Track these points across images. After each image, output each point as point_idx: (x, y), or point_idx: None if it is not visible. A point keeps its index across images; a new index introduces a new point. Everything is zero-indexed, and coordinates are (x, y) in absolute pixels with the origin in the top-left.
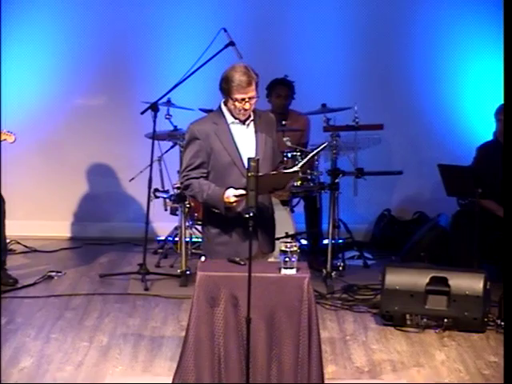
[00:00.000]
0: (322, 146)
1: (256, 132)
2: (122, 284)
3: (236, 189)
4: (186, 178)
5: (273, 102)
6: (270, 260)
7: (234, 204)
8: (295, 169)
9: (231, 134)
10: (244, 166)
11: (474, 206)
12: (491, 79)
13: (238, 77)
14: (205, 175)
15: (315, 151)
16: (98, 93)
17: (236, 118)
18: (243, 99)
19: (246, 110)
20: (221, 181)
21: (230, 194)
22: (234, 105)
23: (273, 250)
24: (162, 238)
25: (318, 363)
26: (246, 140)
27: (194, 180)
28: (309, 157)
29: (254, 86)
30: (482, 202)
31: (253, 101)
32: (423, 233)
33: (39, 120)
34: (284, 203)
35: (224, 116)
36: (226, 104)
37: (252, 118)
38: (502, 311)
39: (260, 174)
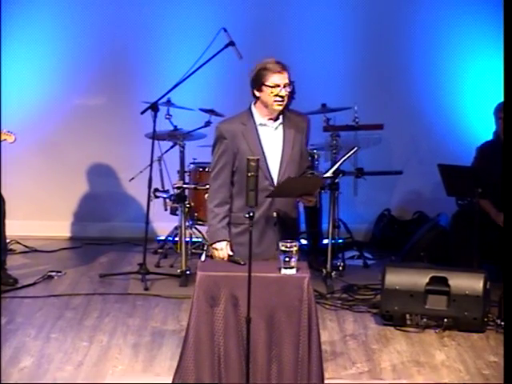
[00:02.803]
0: (353, 151)
1: (284, 135)
2: (122, 284)
3: (229, 241)
4: (212, 202)
5: None
6: None
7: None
8: (328, 175)
9: (258, 135)
10: (268, 169)
11: (473, 206)
12: (491, 79)
13: (272, 63)
14: (228, 181)
15: (346, 156)
16: (97, 93)
17: (267, 116)
18: (278, 85)
19: (281, 98)
20: (245, 182)
21: (220, 247)
22: (270, 93)
23: None
24: (162, 237)
25: (318, 363)
26: (272, 142)
27: (215, 208)
28: (340, 162)
29: (287, 75)
30: (479, 202)
31: (288, 89)
32: (423, 233)
33: (39, 120)
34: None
35: (253, 117)
36: (255, 104)
37: (281, 120)
38: (502, 311)
39: (293, 176)
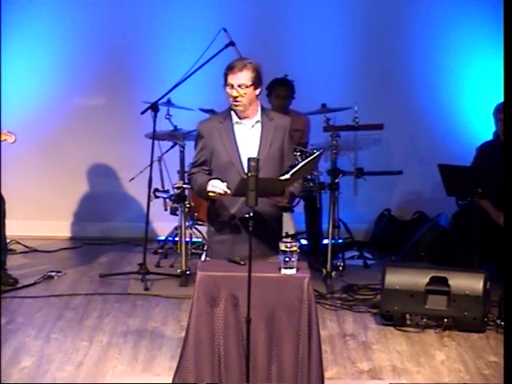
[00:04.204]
0: (315, 155)
1: (261, 134)
2: (122, 284)
3: (223, 181)
4: (188, 174)
5: (273, 103)
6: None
7: (214, 197)
8: (286, 176)
9: (234, 134)
10: (242, 167)
11: (473, 206)
12: (491, 79)
13: (233, 62)
14: (206, 172)
15: (308, 159)
16: (97, 93)
17: (239, 117)
18: (232, 86)
19: (234, 97)
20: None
21: (211, 184)
22: (227, 92)
23: (273, 253)
24: (162, 237)
25: (318, 363)
26: (248, 141)
27: (193, 175)
28: (301, 165)
29: (246, 75)
30: (479, 202)
31: (243, 90)
32: (423, 233)
33: (39, 120)
34: (285, 210)
35: (230, 115)
36: None
37: (259, 119)
38: (502, 311)
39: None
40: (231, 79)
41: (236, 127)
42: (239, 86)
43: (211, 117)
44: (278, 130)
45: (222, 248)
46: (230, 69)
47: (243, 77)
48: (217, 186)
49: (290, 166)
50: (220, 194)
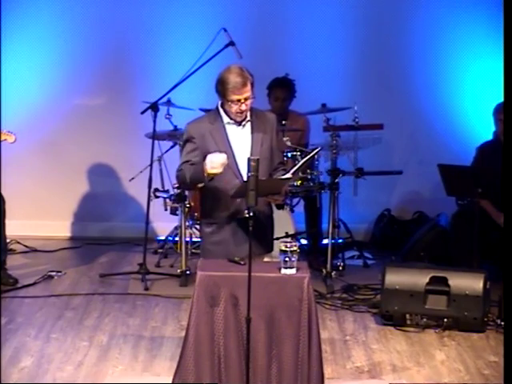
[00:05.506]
0: (314, 151)
1: (252, 133)
2: (122, 284)
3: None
4: (177, 171)
5: (272, 104)
6: (265, 260)
7: (215, 170)
8: (288, 176)
9: (226, 134)
10: (237, 167)
11: (473, 206)
12: (491, 79)
13: (233, 78)
14: None
15: (308, 157)
16: (98, 92)
17: (232, 119)
18: (239, 100)
19: (242, 111)
20: (215, 181)
21: (210, 160)
22: (231, 106)
23: (267, 251)
24: (162, 237)
25: (318, 363)
26: (241, 141)
27: (181, 171)
28: (301, 162)
29: (249, 87)
30: (479, 202)
31: (248, 101)
32: (423, 232)
33: (39, 120)
34: (279, 207)
35: (220, 116)
36: (222, 105)
37: (248, 118)
38: (501, 311)
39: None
40: (238, 96)
41: (228, 128)
42: (245, 99)
43: (200, 118)
44: (266, 129)
45: (217, 249)
46: (235, 87)
47: (247, 89)
48: (219, 157)
49: (279, 163)
50: (222, 164)
